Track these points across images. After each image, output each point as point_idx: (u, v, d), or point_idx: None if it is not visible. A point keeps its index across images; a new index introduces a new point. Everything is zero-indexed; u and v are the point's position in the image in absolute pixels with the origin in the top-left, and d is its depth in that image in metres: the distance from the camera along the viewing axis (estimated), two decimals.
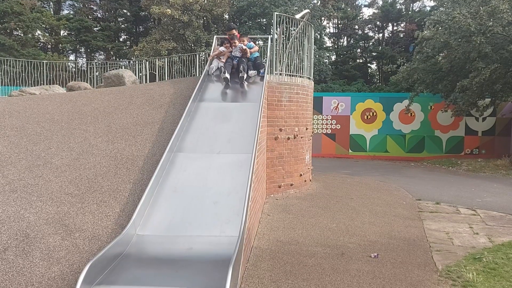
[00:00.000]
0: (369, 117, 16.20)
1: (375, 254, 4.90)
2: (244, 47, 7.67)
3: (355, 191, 8.75)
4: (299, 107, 8.23)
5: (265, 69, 7.54)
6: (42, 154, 5.20)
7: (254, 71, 7.52)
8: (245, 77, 7.28)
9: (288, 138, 7.99)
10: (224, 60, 7.78)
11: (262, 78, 7.40)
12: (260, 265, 4.49)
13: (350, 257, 4.81)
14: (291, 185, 8.09)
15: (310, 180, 9.04)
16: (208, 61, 7.98)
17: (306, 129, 8.57)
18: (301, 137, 8.36)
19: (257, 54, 7.87)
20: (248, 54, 7.63)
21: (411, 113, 15.71)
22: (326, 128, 16.46)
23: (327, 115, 16.43)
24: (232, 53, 7.68)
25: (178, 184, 4.90)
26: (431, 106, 15.79)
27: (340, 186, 9.24)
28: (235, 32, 8.05)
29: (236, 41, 7.75)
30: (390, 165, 14.13)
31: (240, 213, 4.37)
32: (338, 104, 16.37)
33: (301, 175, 8.37)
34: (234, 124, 6.16)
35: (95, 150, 5.43)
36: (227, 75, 7.20)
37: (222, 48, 7.87)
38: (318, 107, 15.81)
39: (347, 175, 11.25)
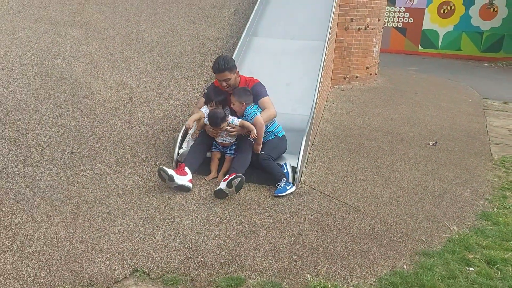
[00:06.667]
0: (446, 11, 15.11)
1: (434, 142, 5.23)
2: (236, 128, 3.79)
3: (421, 87, 8.76)
4: None
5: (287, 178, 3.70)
6: (134, 30, 5.74)
7: None
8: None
9: (359, 29, 7.94)
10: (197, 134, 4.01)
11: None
12: (325, 142, 5.00)
13: (409, 143, 5.18)
14: (357, 77, 8.25)
15: (376, 74, 9.10)
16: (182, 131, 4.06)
17: (378, 20, 8.40)
18: (372, 29, 8.25)
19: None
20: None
21: (493, 9, 14.43)
22: (397, 22, 15.68)
23: (400, 7, 15.51)
24: (219, 138, 3.87)
25: (253, 66, 5.31)
26: None
27: (405, 82, 9.26)
28: (229, 76, 3.86)
29: (229, 117, 3.82)
30: (462, 64, 13.56)
31: (310, 95, 4.77)
32: None
33: (367, 68, 8.44)
34: (308, 11, 6.26)
35: (179, 29, 5.87)
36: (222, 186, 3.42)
37: (205, 109, 4.00)
38: None
39: (414, 72, 11.09)
